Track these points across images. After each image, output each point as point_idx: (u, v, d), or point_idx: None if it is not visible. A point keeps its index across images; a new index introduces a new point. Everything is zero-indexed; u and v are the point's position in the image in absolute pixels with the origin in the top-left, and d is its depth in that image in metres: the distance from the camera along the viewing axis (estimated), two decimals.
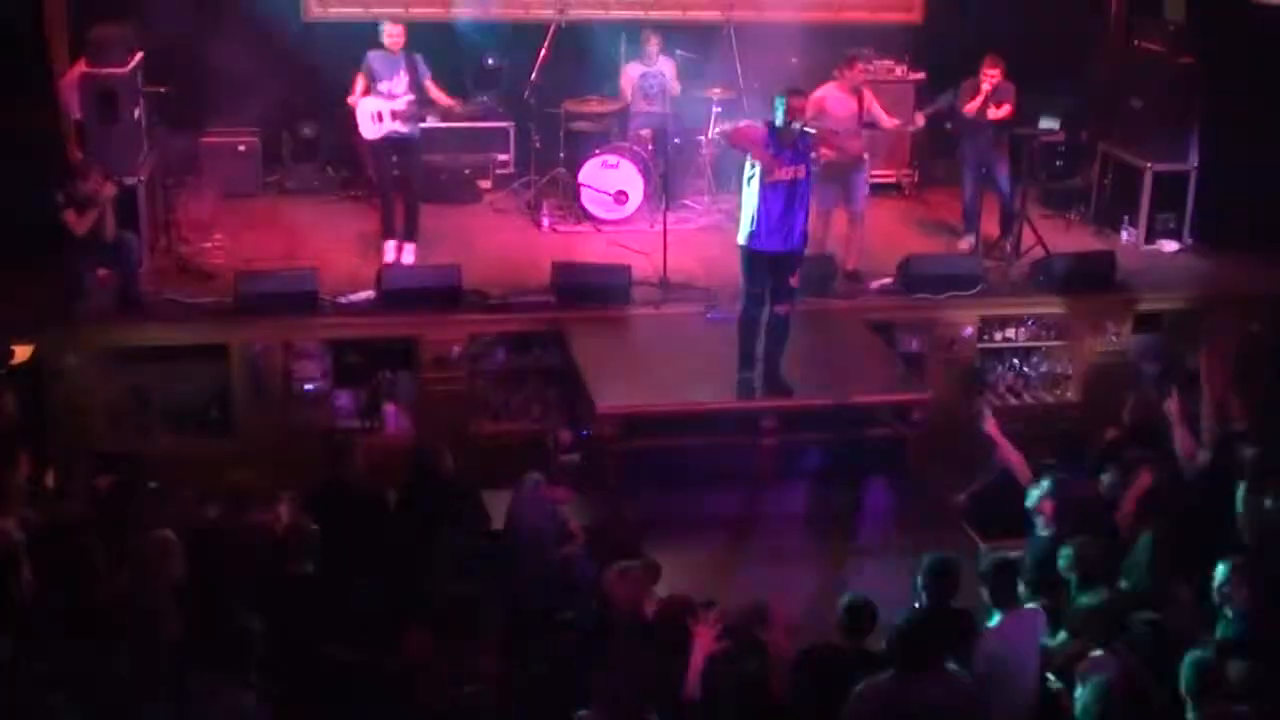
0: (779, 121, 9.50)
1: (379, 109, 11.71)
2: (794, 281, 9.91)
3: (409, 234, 12.12)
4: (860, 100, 11.80)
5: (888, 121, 12.07)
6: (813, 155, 9.77)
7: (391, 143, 11.87)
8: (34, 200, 10.50)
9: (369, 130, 11.81)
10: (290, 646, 6.79)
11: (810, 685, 6.55)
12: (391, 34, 11.75)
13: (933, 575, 7.26)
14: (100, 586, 7.19)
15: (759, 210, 9.62)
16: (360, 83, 11.74)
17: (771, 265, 9.80)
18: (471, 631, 6.83)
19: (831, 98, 11.74)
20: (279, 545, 7.65)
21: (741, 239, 9.83)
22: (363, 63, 11.80)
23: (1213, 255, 12.85)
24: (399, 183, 12.12)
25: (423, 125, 12.21)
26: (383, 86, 11.71)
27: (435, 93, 11.92)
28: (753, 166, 9.66)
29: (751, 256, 9.81)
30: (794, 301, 10.03)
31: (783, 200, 9.58)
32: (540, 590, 7.98)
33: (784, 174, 9.53)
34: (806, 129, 9.61)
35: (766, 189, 9.56)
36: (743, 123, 10.05)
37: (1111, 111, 13.75)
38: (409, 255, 12.07)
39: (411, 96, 11.75)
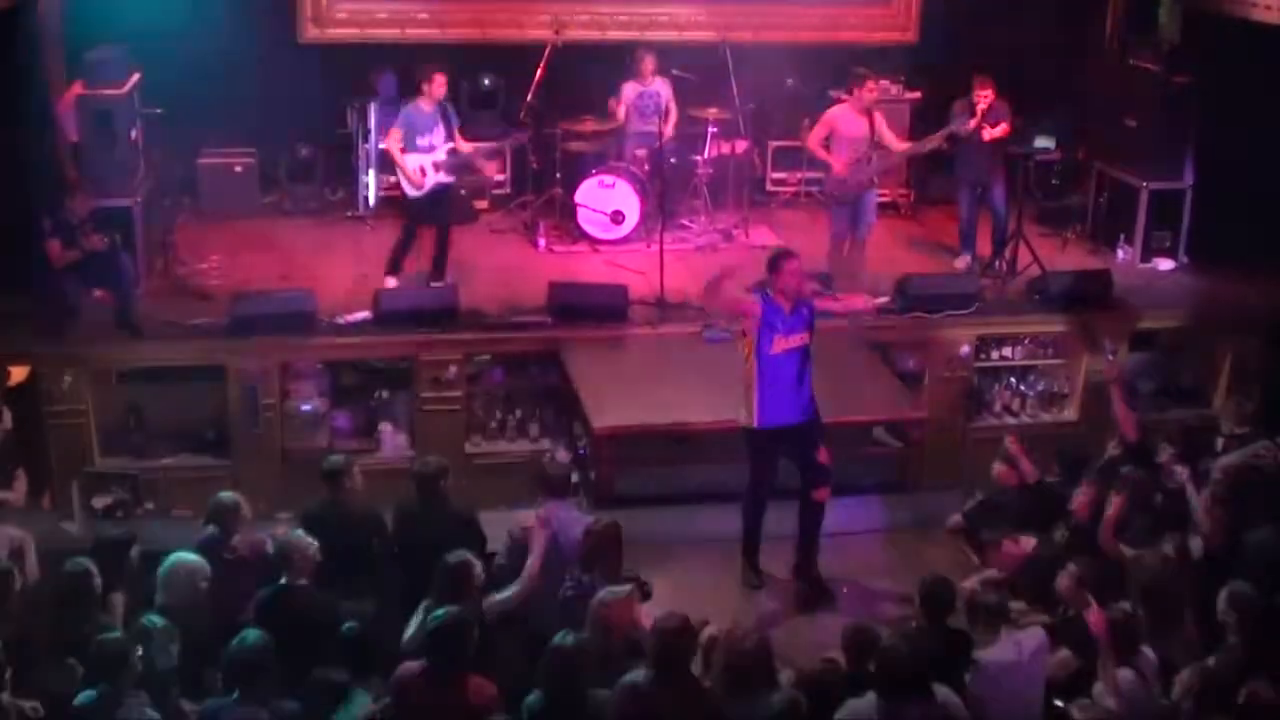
0: (770, 291, 8.85)
1: (421, 164, 11.51)
2: (823, 457, 9.04)
3: (440, 267, 11.93)
4: (872, 121, 11.82)
5: (898, 145, 12.08)
6: (815, 321, 8.99)
7: (435, 192, 11.69)
8: (30, 221, 10.51)
9: (415, 188, 11.59)
10: (291, 666, 6.78)
11: (812, 710, 6.54)
12: (438, 83, 11.46)
13: (929, 595, 7.27)
14: (99, 610, 7.20)
15: (767, 385, 8.84)
16: (395, 137, 11.53)
17: (789, 441, 9.02)
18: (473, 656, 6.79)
19: (843, 118, 11.80)
20: (277, 564, 7.64)
21: (749, 420, 8.95)
22: (398, 118, 11.61)
23: (1208, 273, 12.85)
24: (435, 222, 11.96)
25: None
26: (422, 141, 11.49)
27: (461, 144, 11.76)
28: (745, 340, 8.94)
29: (761, 437, 9.00)
30: (831, 483, 9.14)
31: (791, 369, 8.86)
32: (549, 612, 7.92)
33: (784, 344, 8.82)
34: (806, 296, 9.00)
35: (771, 360, 8.81)
36: (729, 291, 9.09)
37: (1107, 130, 13.77)
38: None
39: (451, 145, 11.60)
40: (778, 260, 8.93)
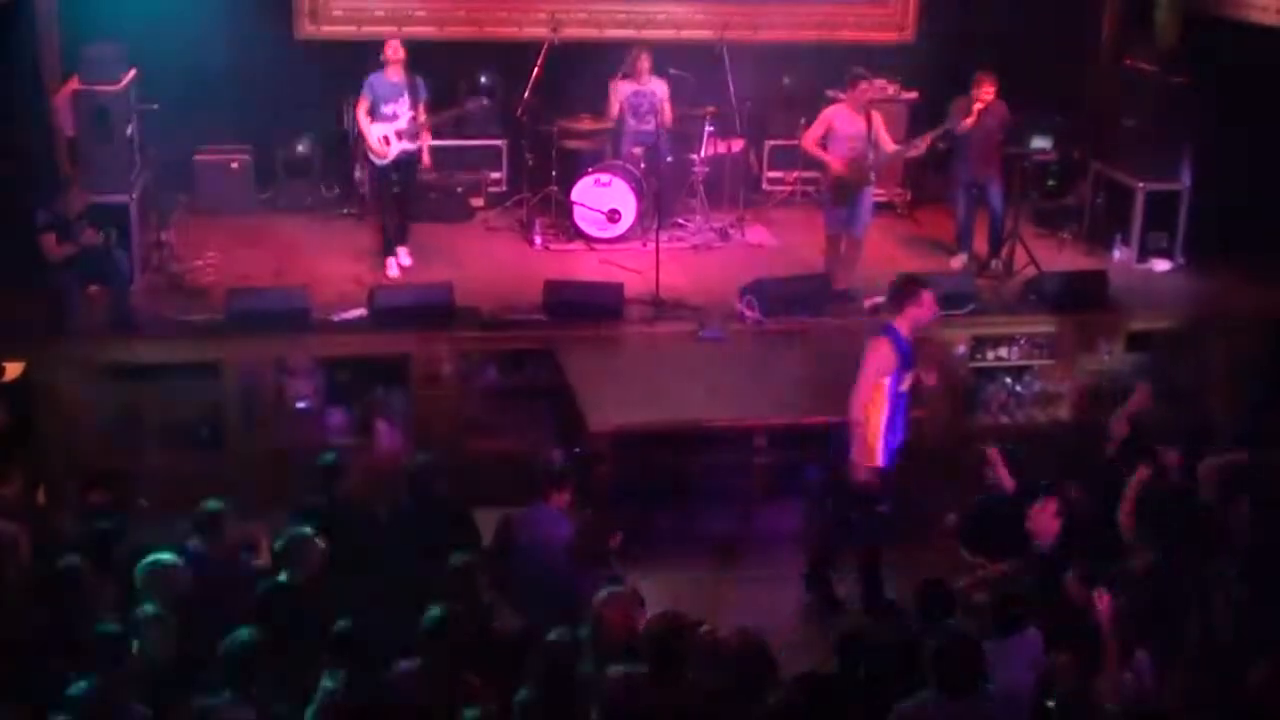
0: (905, 340, 8.84)
1: (385, 133, 11.89)
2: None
3: (401, 238, 12.32)
4: (869, 120, 11.81)
5: (890, 146, 12.05)
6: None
7: (396, 162, 12.08)
8: (25, 216, 10.49)
9: (380, 156, 12.00)
10: (286, 664, 6.76)
11: (807, 711, 6.52)
12: (394, 47, 11.89)
13: (925, 596, 7.26)
14: (93, 606, 7.17)
15: (892, 423, 8.92)
16: (363, 106, 11.92)
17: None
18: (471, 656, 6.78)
19: (841, 117, 11.79)
20: (282, 561, 7.61)
21: (879, 459, 8.95)
22: (363, 86, 11.95)
23: (1204, 275, 12.85)
24: (397, 197, 12.28)
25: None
26: (386, 109, 11.88)
27: (421, 119, 12.08)
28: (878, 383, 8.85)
29: (879, 474, 8.99)
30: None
31: (904, 403, 9.01)
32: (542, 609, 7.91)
33: (908, 381, 8.95)
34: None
35: (899, 397, 8.88)
36: (875, 358, 8.79)
37: (1104, 131, 13.78)
38: (405, 258, 12.26)
39: (413, 114, 11.94)
40: (916, 289, 8.79)
